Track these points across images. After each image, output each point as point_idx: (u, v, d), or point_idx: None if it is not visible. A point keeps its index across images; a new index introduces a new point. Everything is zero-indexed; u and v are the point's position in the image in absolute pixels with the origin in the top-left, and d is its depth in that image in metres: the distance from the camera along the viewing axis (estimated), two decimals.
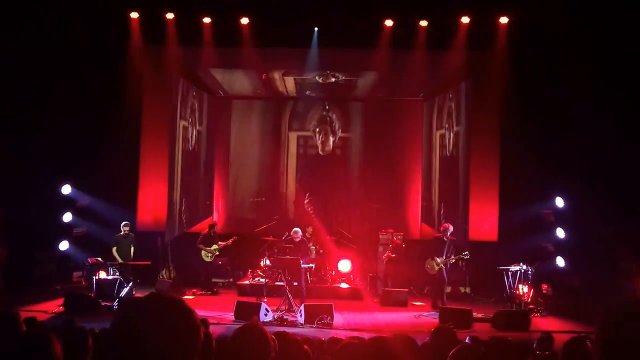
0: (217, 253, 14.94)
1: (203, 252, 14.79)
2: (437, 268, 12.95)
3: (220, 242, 14.99)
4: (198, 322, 2.04)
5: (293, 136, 18.01)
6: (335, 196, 17.39)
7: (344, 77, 16.84)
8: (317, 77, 16.71)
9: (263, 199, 17.55)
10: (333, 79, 16.78)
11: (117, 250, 13.91)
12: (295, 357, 4.56)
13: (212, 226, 15.26)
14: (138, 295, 12.43)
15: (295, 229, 13.64)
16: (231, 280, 15.38)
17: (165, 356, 1.93)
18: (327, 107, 17.88)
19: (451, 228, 13.15)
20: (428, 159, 17.12)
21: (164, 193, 15.75)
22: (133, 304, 2.02)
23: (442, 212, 16.52)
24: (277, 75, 16.73)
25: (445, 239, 13.08)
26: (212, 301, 13.62)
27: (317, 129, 18.13)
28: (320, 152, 18.29)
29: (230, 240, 15.08)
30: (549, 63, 14.10)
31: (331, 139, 18.14)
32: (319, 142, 18.09)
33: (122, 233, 14.09)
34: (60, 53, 14.09)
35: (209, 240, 14.95)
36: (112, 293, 12.56)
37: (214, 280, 15.15)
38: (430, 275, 13.32)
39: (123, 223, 14.16)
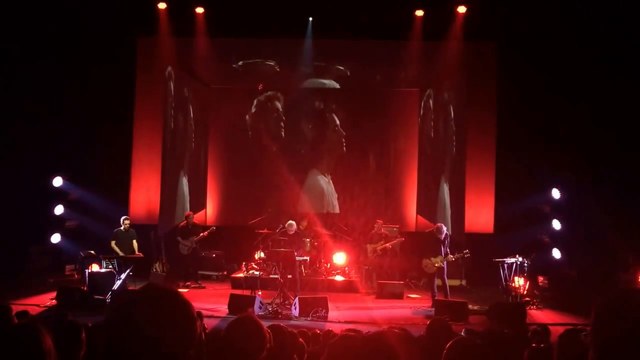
0: (194, 245, 14.49)
1: (180, 245, 14.53)
2: (436, 266, 12.54)
3: (203, 233, 14.55)
4: (194, 313, 2.03)
5: None
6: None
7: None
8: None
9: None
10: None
11: (117, 245, 13.73)
12: (290, 350, 4.54)
13: (187, 217, 14.80)
14: (131, 288, 12.22)
15: (290, 221, 13.54)
16: (225, 273, 15.23)
17: (162, 348, 1.90)
18: (321, 104, 17.03)
19: (444, 228, 12.71)
20: (424, 150, 16.89)
21: (156, 185, 15.55)
22: (129, 296, 2.00)
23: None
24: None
25: (439, 237, 12.60)
26: (205, 294, 13.52)
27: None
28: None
29: (206, 232, 14.50)
30: (545, 52, 14.08)
31: None
32: None
33: (121, 228, 13.89)
34: (52, 44, 14.02)
35: (185, 232, 14.60)
36: (105, 286, 12.33)
37: (207, 273, 15.06)
38: (428, 274, 12.90)
39: (123, 217, 13.97)
